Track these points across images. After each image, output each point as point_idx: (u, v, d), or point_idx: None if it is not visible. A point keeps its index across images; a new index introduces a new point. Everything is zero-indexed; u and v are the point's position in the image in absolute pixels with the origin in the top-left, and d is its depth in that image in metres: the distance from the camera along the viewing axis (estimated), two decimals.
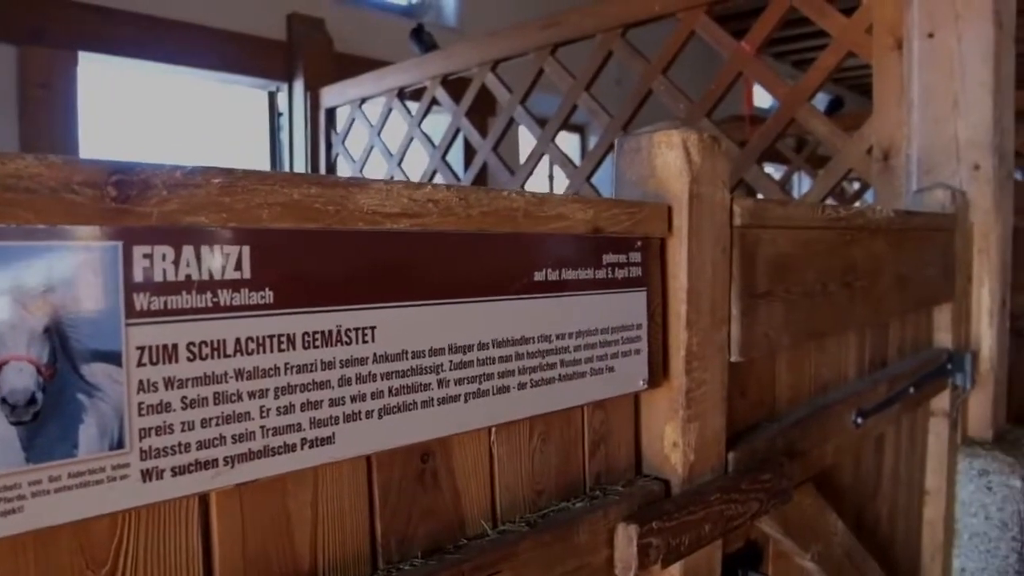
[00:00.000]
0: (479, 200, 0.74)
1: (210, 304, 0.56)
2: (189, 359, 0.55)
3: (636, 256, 0.92)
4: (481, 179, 3.42)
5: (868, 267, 1.46)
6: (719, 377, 1.04)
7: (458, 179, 3.36)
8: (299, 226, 0.61)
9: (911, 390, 1.64)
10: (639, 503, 0.93)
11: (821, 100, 6.46)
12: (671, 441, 0.99)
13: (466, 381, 0.74)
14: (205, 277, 0.56)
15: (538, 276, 0.80)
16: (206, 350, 0.56)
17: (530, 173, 3.07)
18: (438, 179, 3.41)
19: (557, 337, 0.82)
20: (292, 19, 4.18)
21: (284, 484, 0.65)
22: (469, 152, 3.39)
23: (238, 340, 0.58)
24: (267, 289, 0.59)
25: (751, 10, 2.55)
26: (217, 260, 0.56)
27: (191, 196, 0.55)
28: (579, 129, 6.26)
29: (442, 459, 0.77)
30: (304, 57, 4.10)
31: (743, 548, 1.21)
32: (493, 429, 0.81)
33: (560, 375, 0.83)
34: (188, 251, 0.55)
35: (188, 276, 0.55)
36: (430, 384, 0.71)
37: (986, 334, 2.00)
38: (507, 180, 3.10)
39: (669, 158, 0.98)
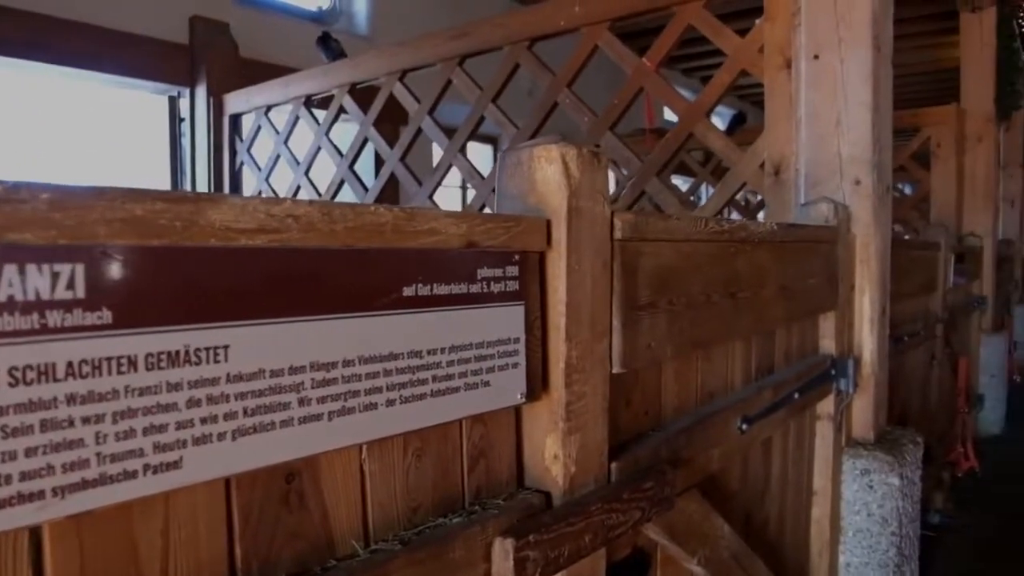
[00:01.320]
0: (344, 215, 0.73)
1: (37, 326, 0.53)
2: (11, 384, 0.52)
3: (513, 270, 0.93)
4: (390, 189, 3.39)
5: (752, 278, 1.52)
6: (600, 389, 1.06)
7: (366, 189, 3.32)
8: (142, 243, 0.59)
9: (796, 396, 1.71)
10: (518, 516, 0.93)
11: (726, 115, 6.71)
12: (552, 453, 1.00)
13: (330, 399, 0.72)
14: (31, 298, 0.53)
15: (408, 291, 0.79)
16: (31, 375, 0.53)
17: (438, 184, 3.06)
18: (345, 189, 3.36)
19: (429, 352, 0.82)
20: (194, 22, 4.05)
21: (129, 512, 0.62)
22: (380, 162, 3.35)
23: (70, 363, 0.55)
24: (104, 309, 0.57)
25: (656, 28, 2.62)
26: (46, 280, 0.54)
27: (15, 212, 0.52)
28: (492, 140, 6.29)
29: (309, 479, 0.76)
30: (207, 61, 3.98)
31: (630, 555, 1.23)
32: (364, 446, 0.80)
33: (432, 391, 0.82)
34: (11, 270, 0.52)
35: (11, 296, 0.52)
36: (290, 403, 0.69)
37: (868, 340, 2.11)
38: (416, 191, 3.08)
39: (548, 172, 0.99)
